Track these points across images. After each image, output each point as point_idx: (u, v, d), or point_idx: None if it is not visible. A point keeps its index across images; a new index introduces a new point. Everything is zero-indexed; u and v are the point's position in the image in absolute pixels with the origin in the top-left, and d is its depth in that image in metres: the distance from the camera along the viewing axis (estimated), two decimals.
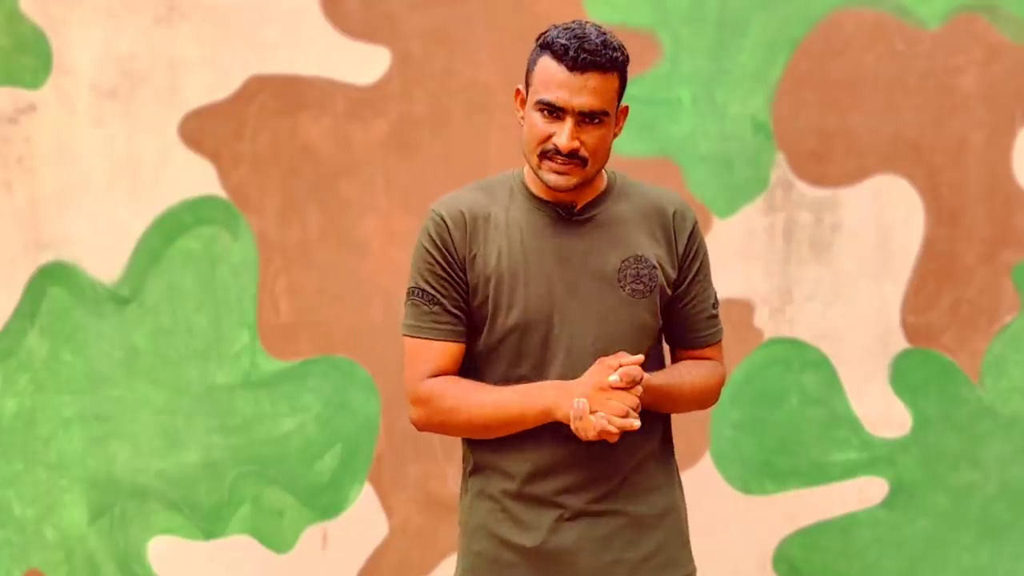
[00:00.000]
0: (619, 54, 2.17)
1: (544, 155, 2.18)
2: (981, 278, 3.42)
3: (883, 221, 3.43)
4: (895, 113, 3.40)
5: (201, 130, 3.48)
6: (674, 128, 3.43)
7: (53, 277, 3.50)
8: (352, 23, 3.45)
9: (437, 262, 2.26)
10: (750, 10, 3.39)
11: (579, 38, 2.13)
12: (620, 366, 2.13)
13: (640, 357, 2.17)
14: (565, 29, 2.17)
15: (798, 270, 3.45)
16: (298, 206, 3.50)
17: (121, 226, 3.49)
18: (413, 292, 2.29)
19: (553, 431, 2.23)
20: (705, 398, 2.40)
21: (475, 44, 3.43)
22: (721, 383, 2.43)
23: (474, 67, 3.43)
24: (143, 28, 3.45)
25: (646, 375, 2.18)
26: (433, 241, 2.26)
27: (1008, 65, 3.38)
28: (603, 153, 2.22)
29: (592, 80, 2.13)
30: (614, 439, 2.11)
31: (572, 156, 2.16)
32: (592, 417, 2.09)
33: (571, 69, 2.12)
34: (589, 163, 2.19)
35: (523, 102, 2.25)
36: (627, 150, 3.39)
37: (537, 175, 2.23)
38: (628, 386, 2.11)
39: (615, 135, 2.26)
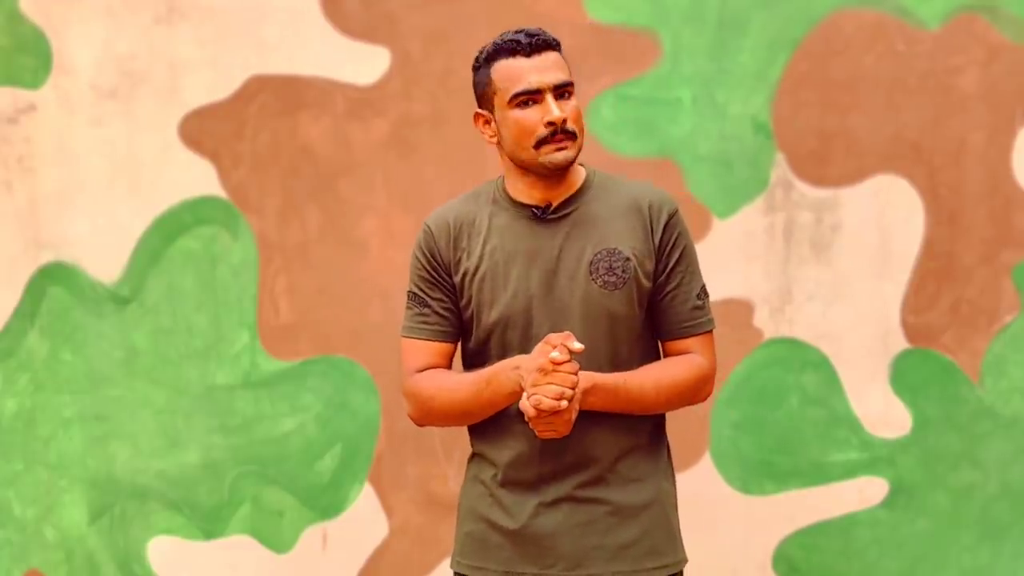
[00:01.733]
0: (556, 40, 2.32)
1: (540, 142, 2.27)
2: (981, 278, 3.42)
3: (883, 221, 3.43)
4: (895, 113, 3.40)
5: (201, 130, 3.48)
6: (674, 128, 3.42)
7: (53, 277, 3.50)
8: (352, 23, 3.46)
9: (424, 268, 2.41)
10: (750, 10, 3.39)
11: (519, 32, 2.30)
12: (561, 345, 2.17)
13: (579, 346, 2.17)
14: (498, 38, 2.32)
15: (798, 270, 3.45)
16: (298, 206, 3.50)
17: (121, 226, 3.49)
18: (408, 296, 2.44)
19: None
20: (682, 394, 2.38)
21: (475, 44, 3.37)
22: (703, 377, 2.40)
23: None
24: (143, 28, 3.45)
25: (597, 376, 2.26)
26: (422, 250, 2.41)
27: (1008, 65, 3.37)
28: (582, 127, 2.33)
29: (550, 57, 2.29)
30: (541, 424, 2.19)
31: (564, 129, 2.26)
32: (527, 401, 2.17)
33: (529, 55, 2.27)
34: (578, 135, 2.29)
35: (486, 122, 2.36)
36: (627, 150, 3.40)
37: (539, 165, 2.29)
38: (567, 360, 2.15)
39: None
